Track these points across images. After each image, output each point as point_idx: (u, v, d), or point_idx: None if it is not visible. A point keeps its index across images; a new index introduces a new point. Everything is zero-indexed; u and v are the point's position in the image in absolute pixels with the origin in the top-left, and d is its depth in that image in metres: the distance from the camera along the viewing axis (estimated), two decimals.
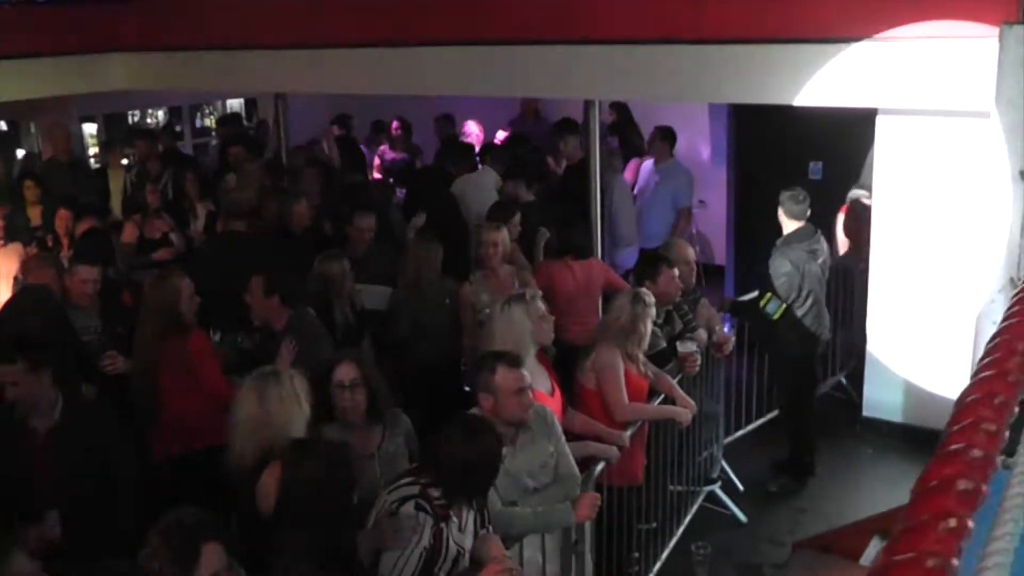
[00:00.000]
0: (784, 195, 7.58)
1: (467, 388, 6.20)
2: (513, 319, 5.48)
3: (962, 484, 1.16)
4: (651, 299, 6.17)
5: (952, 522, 1.10)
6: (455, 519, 4.03)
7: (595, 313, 7.38)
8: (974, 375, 1.32)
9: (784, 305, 7.41)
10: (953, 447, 1.24)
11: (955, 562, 1.09)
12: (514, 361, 4.75)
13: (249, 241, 8.00)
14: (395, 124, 12.94)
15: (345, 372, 4.72)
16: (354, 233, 7.79)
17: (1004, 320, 1.51)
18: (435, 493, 3.98)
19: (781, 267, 7.42)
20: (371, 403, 4.72)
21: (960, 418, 1.29)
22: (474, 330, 6.87)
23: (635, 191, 10.52)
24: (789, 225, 7.55)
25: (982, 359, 1.37)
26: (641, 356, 6.20)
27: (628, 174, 11.11)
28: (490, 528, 4.24)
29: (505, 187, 9.27)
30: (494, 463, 4.07)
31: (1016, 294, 1.57)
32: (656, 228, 9.86)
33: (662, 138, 10.20)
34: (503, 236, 7.22)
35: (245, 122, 14.41)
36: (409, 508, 3.92)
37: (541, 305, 5.67)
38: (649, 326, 6.16)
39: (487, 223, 7.51)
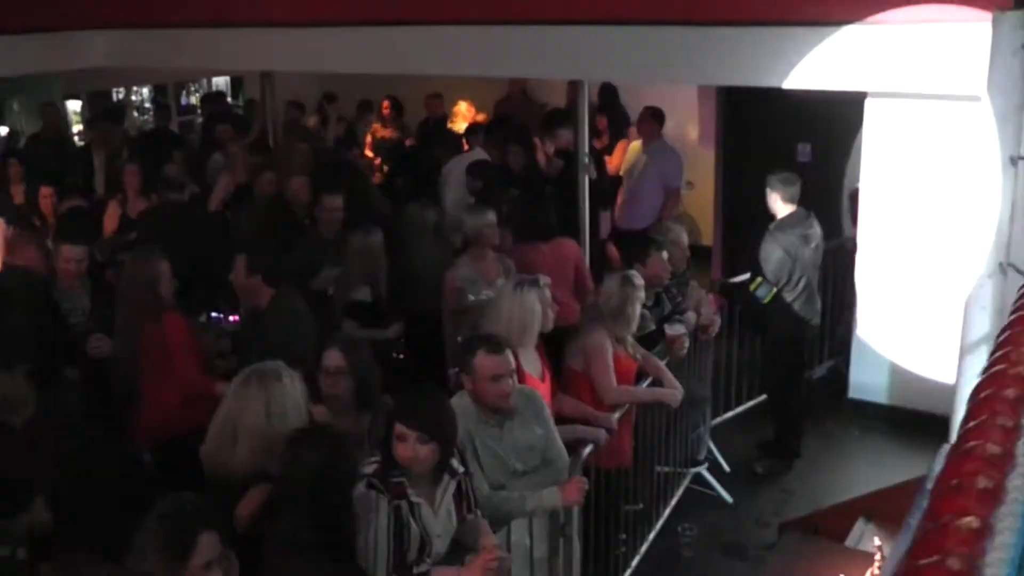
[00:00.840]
0: (774, 179, 7.55)
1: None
2: (526, 303, 5.48)
3: (982, 482, 1.14)
4: (640, 281, 6.17)
5: (974, 522, 1.08)
6: (421, 500, 3.97)
7: (570, 293, 7.32)
8: (985, 371, 1.30)
9: (774, 290, 7.41)
10: (970, 444, 1.21)
11: (980, 562, 1.07)
12: (496, 347, 4.71)
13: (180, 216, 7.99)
14: (385, 103, 12.91)
15: (331, 358, 4.68)
16: (322, 214, 7.62)
17: (1013, 312, 1.48)
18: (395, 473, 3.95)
19: (773, 252, 7.42)
20: (358, 390, 4.68)
21: (975, 414, 1.26)
22: (456, 316, 6.85)
23: (621, 172, 10.49)
24: (782, 209, 7.53)
25: (993, 353, 1.34)
26: (630, 339, 6.20)
27: (616, 155, 11.10)
28: (478, 513, 4.22)
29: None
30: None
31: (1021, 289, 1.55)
32: (645, 209, 9.83)
33: (651, 118, 10.16)
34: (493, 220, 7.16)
35: (231, 100, 14.35)
36: (361, 487, 3.90)
37: (548, 293, 5.68)
38: (638, 309, 6.15)
39: (482, 208, 7.41)
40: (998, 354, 1.40)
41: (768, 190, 7.56)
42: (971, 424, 1.26)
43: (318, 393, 4.64)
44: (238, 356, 6.08)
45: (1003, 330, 1.47)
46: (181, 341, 5.94)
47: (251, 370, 4.23)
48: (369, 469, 3.96)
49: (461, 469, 4.15)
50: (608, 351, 6.01)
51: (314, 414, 4.42)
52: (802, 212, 7.55)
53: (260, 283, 6.07)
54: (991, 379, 1.36)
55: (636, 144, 10.50)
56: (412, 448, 3.88)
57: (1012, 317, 1.52)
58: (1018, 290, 1.57)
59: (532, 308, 5.49)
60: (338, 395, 4.67)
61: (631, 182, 10.16)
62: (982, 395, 1.32)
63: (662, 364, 6.44)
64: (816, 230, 7.63)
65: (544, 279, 5.87)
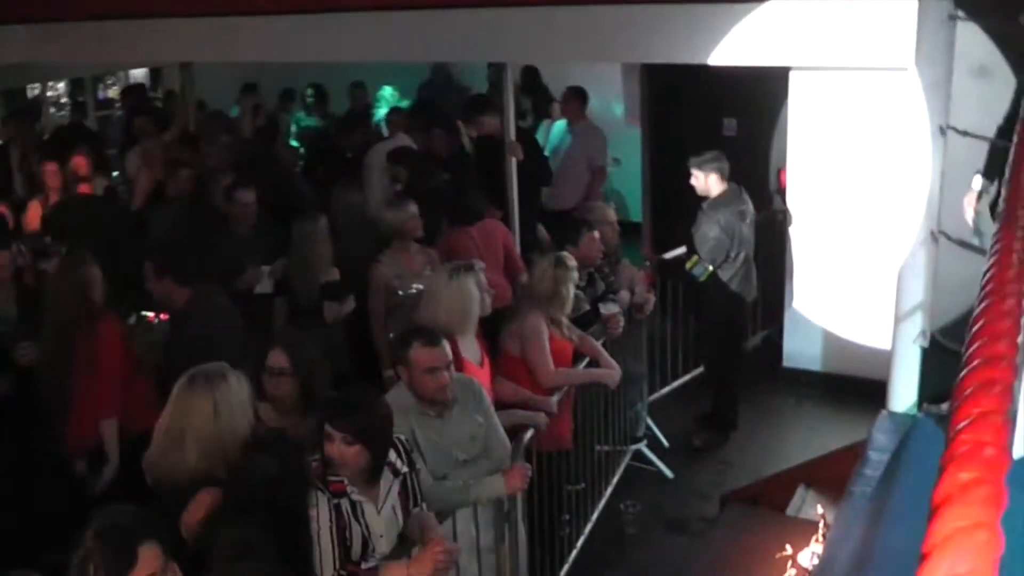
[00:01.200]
0: (703, 158, 7.57)
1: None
2: (463, 289, 5.43)
3: (983, 490, 1.11)
4: (572, 262, 6.17)
5: (981, 535, 1.06)
6: (364, 499, 3.95)
7: (501, 275, 7.29)
8: (962, 366, 1.28)
9: (710, 268, 7.46)
10: (963, 448, 1.18)
11: None
12: (432, 339, 4.67)
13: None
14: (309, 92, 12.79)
15: (275, 359, 4.59)
16: (234, 209, 7.37)
17: (980, 300, 1.46)
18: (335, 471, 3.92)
19: (710, 231, 7.46)
20: (303, 390, 4.60)
21: (964, 413, 1.24)
22: (387, 314, 6.75)
23: (547, 152, 10.48)
24: (717, 187, 7.56)
25: (969, 345, 1.32)
26: (565, 320, 6.20)
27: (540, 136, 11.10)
28: (423, 506, 4.20)
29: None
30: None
31: (987, 273, 1.53)
32: (571, 189, 9.85)
33: (575, 98, 10.16)
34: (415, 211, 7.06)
35: (150, 92, 14.09)
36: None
37: (484, 277, 5.66)
38: (572, 289, 6.16)
39: (401, 200, 7.31)
40: (976, 346, 1.38)
41: (699, 172, 7.56)
42: (962, 424, 1.23)
43: (262, 393, 4.56)
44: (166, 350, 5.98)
45: (976, 319, 1.45)
46: (116, 344, 5.78)
47: (195, 372, 4.10)
48: (308, 463, 3.93)
49: (405, 469, 4.12)
50: (544, 334, 6.01)
51: (261, 415, 4.34)
52: (735, 188, 7.61)
53: (172, 285, 5.90)
54: (973, 373, 1.34)
55: (560, 123, 10.49)
56: (338, 449, 3.86)
57: (981, 306, 1.48)
58: (983, 276, 1.55)
59: (470, 294, 5.46)
60: (283, 396, 4.58)
61: (556, 162, 10.16)
62: (967, 392, 1.30)
63: (598, 344, 6.45)
64: (749, 205, 7.70)
65: (479, 263, 5.85)
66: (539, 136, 10.95)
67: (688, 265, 7.51)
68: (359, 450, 3.88)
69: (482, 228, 7.52)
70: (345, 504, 3.90)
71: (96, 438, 5.60)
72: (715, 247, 7.45)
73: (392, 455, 4.11)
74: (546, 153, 10.42)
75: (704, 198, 7.62)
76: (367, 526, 3.95)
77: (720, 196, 7.57)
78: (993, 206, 5.74)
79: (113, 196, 8.94)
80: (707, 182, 7.56)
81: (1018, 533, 1.39)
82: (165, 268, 5.90)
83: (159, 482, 4.01)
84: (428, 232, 7.15)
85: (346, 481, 3.92)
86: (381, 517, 4.00)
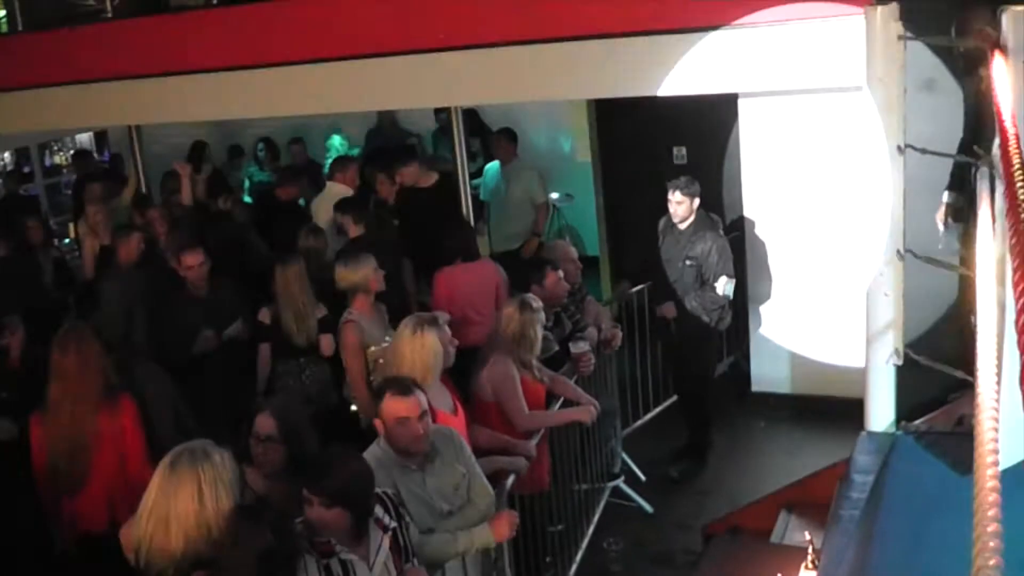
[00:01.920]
0: (682, 183, 7.60)
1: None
2: (426, 344, 5.35)
3: None
4: (538, 304, 6.15)
5: None
6: (354, 557, 3.89)
7: (492, 314, 7.23)
8: None
9: (734, 280, 7.58)
10: None
11: None
12: (404, 389, 4.63)
13: None
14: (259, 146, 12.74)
15: (262, 424, 4.50)
16: (187, 273, 7.31)
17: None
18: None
19: (725, 246, 7.61)
20: (291, 455, 4.51)
21: None
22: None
23: (482, 197, 10.46)
24: (694, 210, 7.61)
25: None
26: (535, 362, 6.17)
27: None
28: (415, 561, 4.14)
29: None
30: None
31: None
32: (516, 228, 9.89)
33: (505, 139, 10.23)
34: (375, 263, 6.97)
35: (96, 156, 13.98)
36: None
37: (448, 331, 5.62)
38: (539, 331, 6.13)
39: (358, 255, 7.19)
40: None
41: (684, 196, 7.56)
42: None
43: (249, 458, 4.48)
44: None
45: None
46: (138, 424, 5.57)
47: (178, 451, 4.01)
48: (296, 529, 3.86)
49: (393, 524, 4.06)
50: (515, 378, 5.98)
51: (248, 480, 4.26)
52: (703, 212, 7.69)
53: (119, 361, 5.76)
54: None
55: (493, 165, 10.53)
56: (318, 513, 3.82)
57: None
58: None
59: (434, 349, 5.39)
60: (269, 460, 4.50)
61: (496, 203, 10.18)
62: None
63: (571, 383, 6.42)
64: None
65: (443, 316, 5.81)
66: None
67: (720, 288, 7.52)
68: (339, 512, 3.83)
69: (476, 266, 7.54)
70: (335, 565, 3.84)
71: (108, 521, 5.36)
72: (729, 258, 7.58)
73: (379, 510, 4.05)
74: (482, 198, 10.41)
75: (673, 223, 7.69)
76: None
77: (701, 218, 7.65)
78: (957, 216, 5.83)
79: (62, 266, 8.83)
80: (692, 206, 7.59)
81: (1016, 542, 1.38)
82: (113, 344, 5.74)
83: (147, 564, 3.91)
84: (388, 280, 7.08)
85: (333, 540, 3.86)
86: (373, 574, 3.93)
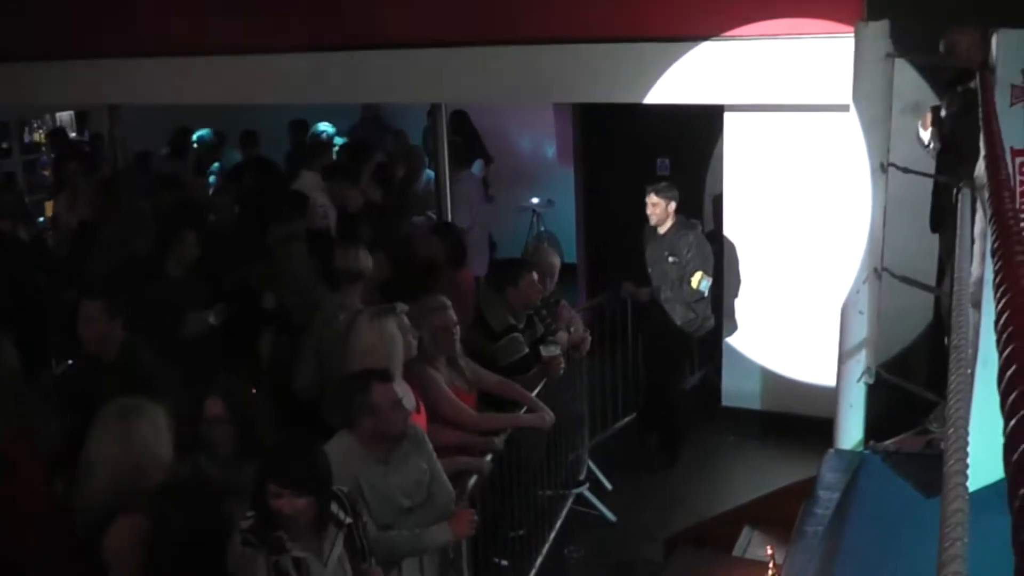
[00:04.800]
0: (661, 187, 7.70)
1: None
2: (384, 332, 5.25)
3: None
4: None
5: None
6: (307, 554, 3.81)
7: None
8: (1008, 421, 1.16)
9: (711, 277, 7.66)
10: None
11: None
12: (385, 375, 4.61)
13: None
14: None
15: (211, 406, 4.43)
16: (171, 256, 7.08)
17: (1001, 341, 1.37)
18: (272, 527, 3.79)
19: (704, 242, 7.71)
20: (241, 438, 4.44)
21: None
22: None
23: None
24: (672, 215, 7.71)
25: (1005, 396, 1.21)
26: (463, 364, 6.02)
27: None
28: (372, 561, 4.06)
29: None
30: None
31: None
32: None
33: None
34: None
35: (76, 136, 13.86)
36: (237, 545, 3.73)
37: (407, 320, 5.52)
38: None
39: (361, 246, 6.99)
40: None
41: (660, 199, 7.65)
42: None
43: (200, 442, 4.41)
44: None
45: (1004, 366, 1.34)
46: None
47: (112, 402, 4.06)
48: (245, 525, 3.77)
49: (348, 520, 3.98)
50: (439, 381, 5.78)
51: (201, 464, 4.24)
52: (683, 217, 7.76)
53: (120, 330, 5.57)
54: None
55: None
56: (290, 504, 3.72)
57: (1004, 351, 1.38)
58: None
59: (393, 337, 5.29)
60: (218, 443, 4.42)
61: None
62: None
63: (522, 389, 6.27)
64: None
65: (402, 306, 5.67)
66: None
67: (694, 283, 7.59)
68: (309, 501, 3.75)
69: (466, 272, 7.56)
70: (286, 562, 3.75)
71: None
72: (708, 255, 7.66)
73: (334, 507, 3.97)
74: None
75: (654, 226, 7.74)
76: None
77: (681, 222, 7.72)
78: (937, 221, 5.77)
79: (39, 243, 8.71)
80: (668, 209, 7.66)
81: (1000, 558, 1.34)
82: (118, 313, 5.57)
83: (81, 510, 3.95)
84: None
85: (284, 536, 3.78)
86: (328, 572, 3.85)
